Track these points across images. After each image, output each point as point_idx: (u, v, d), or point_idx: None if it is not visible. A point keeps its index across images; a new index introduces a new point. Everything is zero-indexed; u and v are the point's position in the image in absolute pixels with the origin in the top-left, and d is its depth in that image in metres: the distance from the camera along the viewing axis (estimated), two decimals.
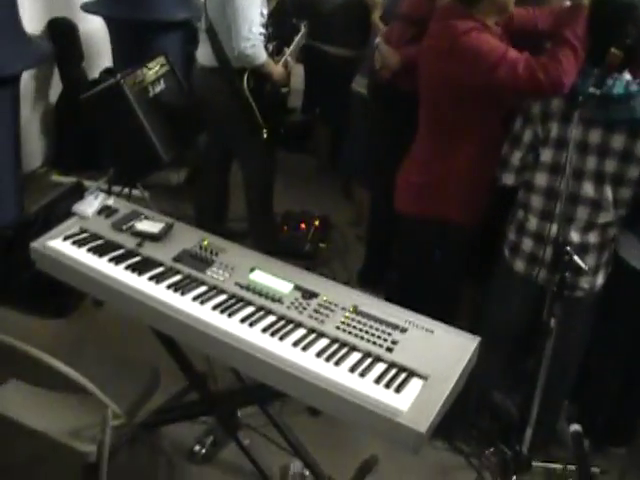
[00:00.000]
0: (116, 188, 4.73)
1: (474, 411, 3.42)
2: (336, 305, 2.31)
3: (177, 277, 2.44)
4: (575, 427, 2.90)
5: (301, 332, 2.21)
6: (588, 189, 2.82)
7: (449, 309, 3.38)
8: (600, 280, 2.99)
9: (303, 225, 5.06)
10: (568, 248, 2.52)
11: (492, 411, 3.59)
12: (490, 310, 3.34)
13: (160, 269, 2.47)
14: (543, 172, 2.90)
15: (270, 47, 4.46)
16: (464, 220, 3.24)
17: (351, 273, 4.80)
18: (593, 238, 2.89)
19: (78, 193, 4.13)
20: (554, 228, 2.79)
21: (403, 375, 2.05)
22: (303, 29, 4.98)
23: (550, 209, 2.87)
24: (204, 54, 4.42)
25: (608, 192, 2.80)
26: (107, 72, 5.75)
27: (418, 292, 3.41)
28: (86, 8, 5.75)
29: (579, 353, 3.17)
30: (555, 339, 2.55)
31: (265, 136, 4.37)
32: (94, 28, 6.09)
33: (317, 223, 5.10)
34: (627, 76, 2.71)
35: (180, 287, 2.37)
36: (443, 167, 3.18)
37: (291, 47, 4.70)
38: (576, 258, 2.50)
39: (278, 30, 4.69)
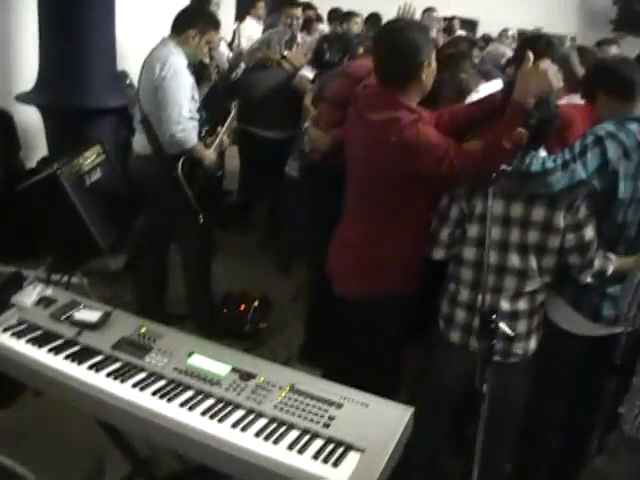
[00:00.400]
0: (55, 276, 4.72)
1: (420, 479, 3.44)
2: (273, 385, 2.35)
3: (116, 365, 2.46)
4: None
5: (240, 413, 2.25)
6: (514, 260, 2.93)
7: (395, 375, 3.43)
8: (533, 344, 3.07)
9: (243, 306, 5.06)
10: (494, 316, 2.60)
11: (437, 478, 3.62)
12: (430, 379, 3.36)
13: (99, 357, 2.49)
14: (470, 246, 3.00)
15: (203, 131, 4.56)
16: (407, 289, 3.24)
17: (292, 350, 4.79)
18: (522, 305, 3.00)
19: (17, 282, 4.10)
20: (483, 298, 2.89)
21: (340, 449, 2.10)
22: (234, 109, 5.07)
23: (479, 280, 2.95)
24: (140, 143, 4.49)
25: (533, 262, 2.93)
26: (43, 161, 5.76)
27: (364, 366, 3.40)
28: (20, 98, 5.77)
29: (517, 416, 3.22)
30: (492, 404, 2.58)
31: (202, 220, 4.44)
32: (30, 118, 6.09)
33: (257, 303, 5.10)
34: (543, 153, 2.87)
35: (119, 375, 2.40)
36: (387, 247, 3.17)
37: (224, 127, 4.78)
38: (502, 325, 2.57)
39: (211, 114, 4.80)
